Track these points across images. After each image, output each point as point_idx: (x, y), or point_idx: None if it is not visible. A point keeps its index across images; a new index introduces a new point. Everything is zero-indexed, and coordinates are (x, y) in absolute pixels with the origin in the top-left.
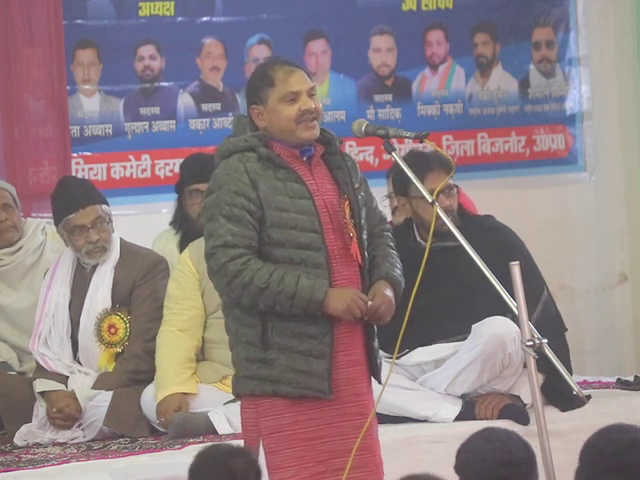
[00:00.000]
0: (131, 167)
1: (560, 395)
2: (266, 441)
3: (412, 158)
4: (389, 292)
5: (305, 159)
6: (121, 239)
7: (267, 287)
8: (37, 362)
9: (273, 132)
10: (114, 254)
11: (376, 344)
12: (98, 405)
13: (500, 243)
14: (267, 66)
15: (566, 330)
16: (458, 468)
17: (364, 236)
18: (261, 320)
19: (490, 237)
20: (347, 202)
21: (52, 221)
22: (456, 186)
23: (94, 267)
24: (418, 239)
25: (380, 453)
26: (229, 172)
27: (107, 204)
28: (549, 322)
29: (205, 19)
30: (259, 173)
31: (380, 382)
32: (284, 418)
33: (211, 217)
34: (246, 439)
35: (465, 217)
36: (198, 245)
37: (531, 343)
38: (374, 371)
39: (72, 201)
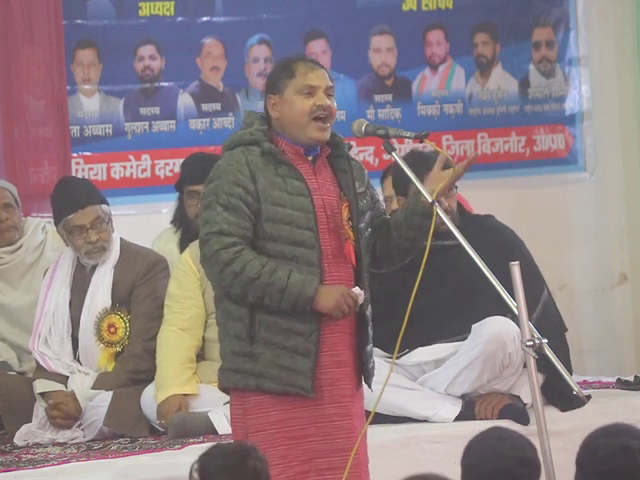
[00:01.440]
0: (131, 167)
1: (560, 395)
2: (252, 439)
3: (411, 158)
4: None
5: (310, 158)
6: (121, 239)
7: (258, 278)
8: (37, 362)
9: (284, 124)
10: (114, 254)
11: (370, 348)
12: (98, 405)
13: (500, 243)
14: (290, 59)
15: (566, 330)
16: (467, 465)
17: (362, 240)
18: (249, 314)
19: (490, 237)
20: (346, 204)
21: (52, 220)
22: (455, 187)
23: (94, 266)
24: None
25: (366, 454)
26: (230, 163)
27: (107, 204)
28: (549, 322)
29: (205, 19)
30: (260, 167)
31: (370, 387)
32: (269, 416)
33: (208, 205)
34: (235, 435)
35: (465, 217)
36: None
37: (531, 343)
38: (365, 375)
39: (71, 201)
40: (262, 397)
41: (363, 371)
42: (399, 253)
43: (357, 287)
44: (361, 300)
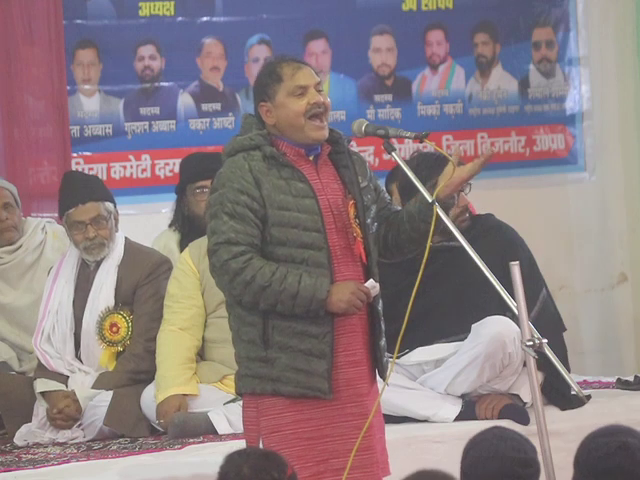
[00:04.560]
0: (131, 167)
1: (560, 394)
2: (266, 440)
3: (424, 160)
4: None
5: (311, 158)
6: (126, 238)
7: (269, 286)
8: (38, 360)
9: (282, 128)
10: (117, 252)
11: (383, 343)
12: (98, 405)
13: (502, 241)
14: (274, 63)
15: (565, 330)
16: (468, 466)
17: (370, 236)
18: (262, 319)
19: (491, 236)
20: (352, 202)
21: (52, 220)
22: (469, 184)
23: (98, 265)
24: None
25: (384, 451)
26: (233, 170)
27: (111, 202)
28: (547, 321)
29: (205, 19)
30: (263, 172)
31: (385, 381)
32: (284, 417)
33: (214, 214)
34: (247, 438)
35: (470, 218)
36: (198, 244)
37: (531, 343)
38: (380, 370)
39: (73, 196)
40: (277, 399)
41: (378, 366)
42: (411, 245)
43: (371, 280)
44: (375, 292)
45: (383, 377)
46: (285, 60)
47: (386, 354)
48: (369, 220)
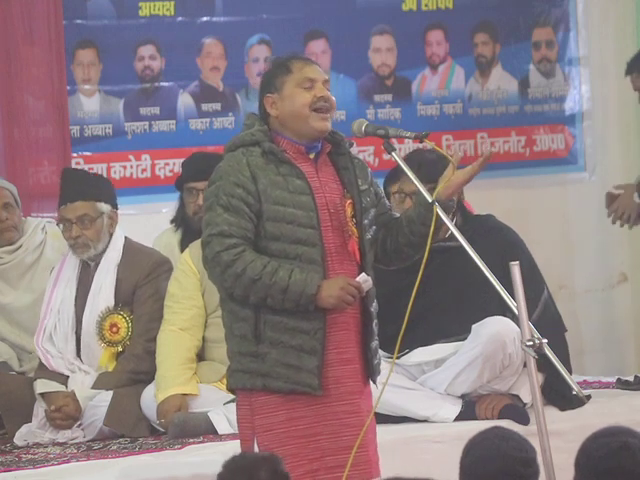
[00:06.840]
0: (131, 167)
1: (560, 395)
2: (260, 439)
3: (412, 159)
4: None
5: (312, 156)
6: (126, 238)
7: (260, 279)
8: (39, 360)
9: (285, 121)
10: (116, 252)
11: (375, 345)
12: (98, 405)
13: (501, 243)
14: (284, 58)
15: (566, 330)
16: (468, 465)
17: (367, 237)
18: (254, 314)
19: (491, 237)
20: (349, 201)
21: (52, 220)
22: None
23: (97, 265)
24: None
25: (375, 451)
26: (231, 164)
27: (108, 202)
28: (549, 322)
29: (205, 19)
30: (261, 167)
31: (375, 383)
32: (277, 416)
33: (209, 207)
34: (242, 436)
35: (466, 217)
36: (198, 245)
37: (531, 343)
38: (370, 372)
39: (64, 193)
40: (269, 397)
41: (367, 368)
42: (410, 249)
43: (363, 274)
44: (367, 287)
45: (373, 379)
46: (295, 56)
47: (385, 354)
48: (366, 222)
